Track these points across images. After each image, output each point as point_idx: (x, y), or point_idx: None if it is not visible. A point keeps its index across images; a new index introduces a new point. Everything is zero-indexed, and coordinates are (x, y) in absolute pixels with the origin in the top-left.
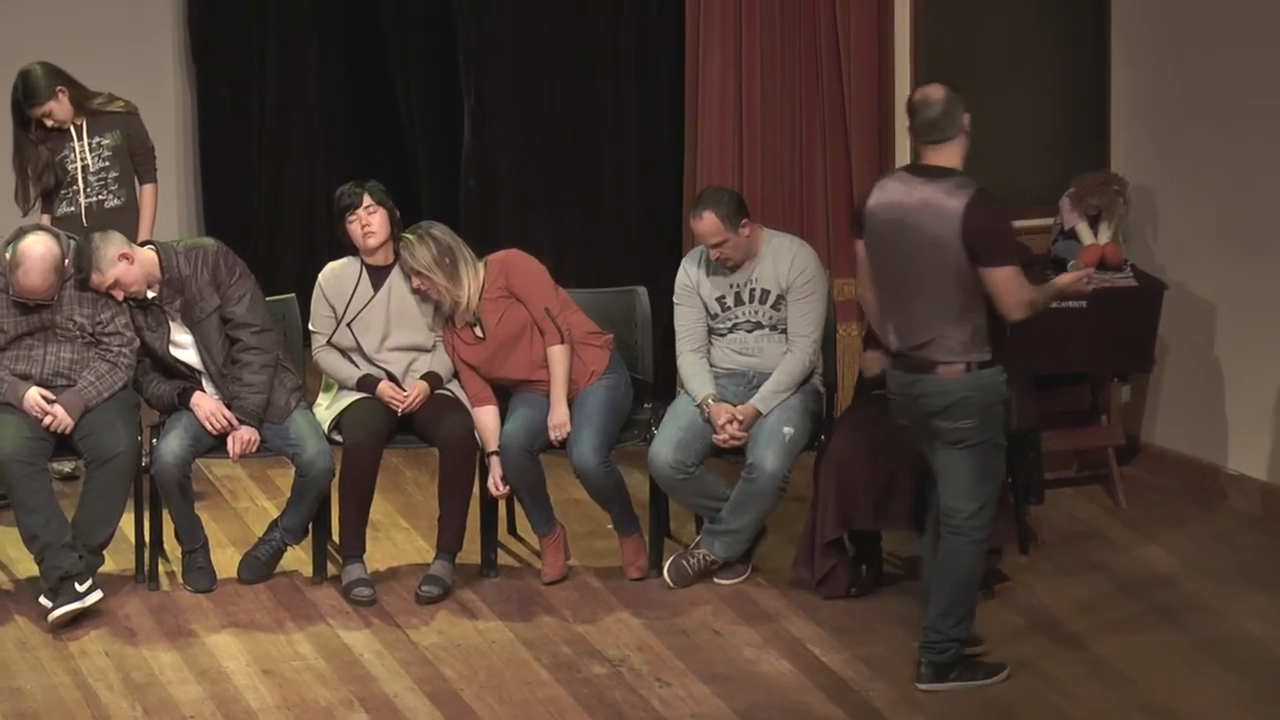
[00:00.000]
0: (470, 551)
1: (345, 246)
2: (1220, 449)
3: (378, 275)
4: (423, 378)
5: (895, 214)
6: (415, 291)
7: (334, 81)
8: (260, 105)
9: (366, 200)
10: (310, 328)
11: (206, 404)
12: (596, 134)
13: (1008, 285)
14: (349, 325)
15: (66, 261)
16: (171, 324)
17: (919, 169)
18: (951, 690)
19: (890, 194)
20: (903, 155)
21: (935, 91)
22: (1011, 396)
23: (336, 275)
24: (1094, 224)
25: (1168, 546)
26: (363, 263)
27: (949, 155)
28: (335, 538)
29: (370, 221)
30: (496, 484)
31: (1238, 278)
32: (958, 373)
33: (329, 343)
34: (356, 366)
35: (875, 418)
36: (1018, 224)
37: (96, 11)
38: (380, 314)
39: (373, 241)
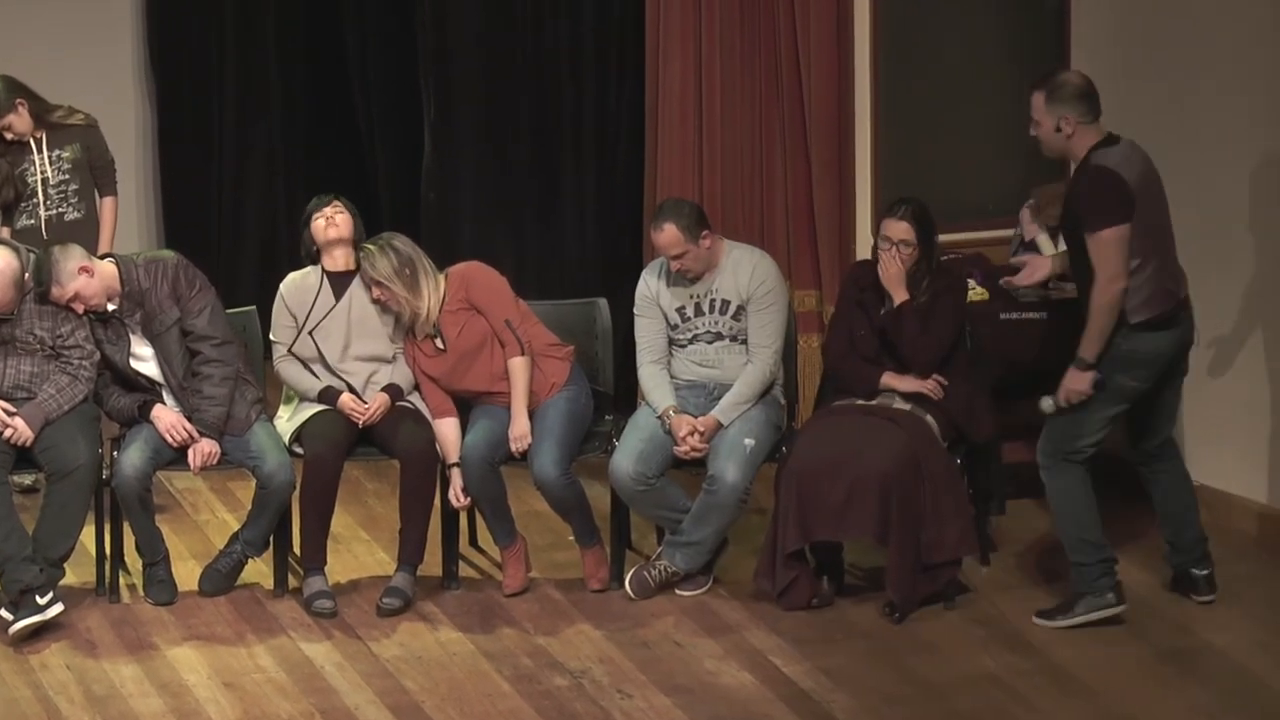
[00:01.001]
0: (431, 564)
1: (308, 257)
2: None
3: (339, 283)
4: (383, 390)
5: (1155, 177)
6: (375, 302)
7: (295, 93)
8: (220, 117)
9: (335, 203)
10: (271, 337)
11: (167, 416)
12: (557, 147)
13: None
14: (310, 334)
15: (26, 275)
16: (132, 337)
17: (1114, 139)
18: (910, 703)
19: (1135, 163)
20: (863, 164)
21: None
22: None
23: (298, 284)
24: (1054, 235)
25: (1129, 557)
26: (324, 271)
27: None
28: (296, 550)
29: (335, 217)
30: (457, 496)
31: (1197, 288)
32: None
33: (290, 352)
34: (318, 378)
35: (836, 428)
36: (977, 235)
37: (55, 24)
38: (341, 323)
39: (334, 233)
